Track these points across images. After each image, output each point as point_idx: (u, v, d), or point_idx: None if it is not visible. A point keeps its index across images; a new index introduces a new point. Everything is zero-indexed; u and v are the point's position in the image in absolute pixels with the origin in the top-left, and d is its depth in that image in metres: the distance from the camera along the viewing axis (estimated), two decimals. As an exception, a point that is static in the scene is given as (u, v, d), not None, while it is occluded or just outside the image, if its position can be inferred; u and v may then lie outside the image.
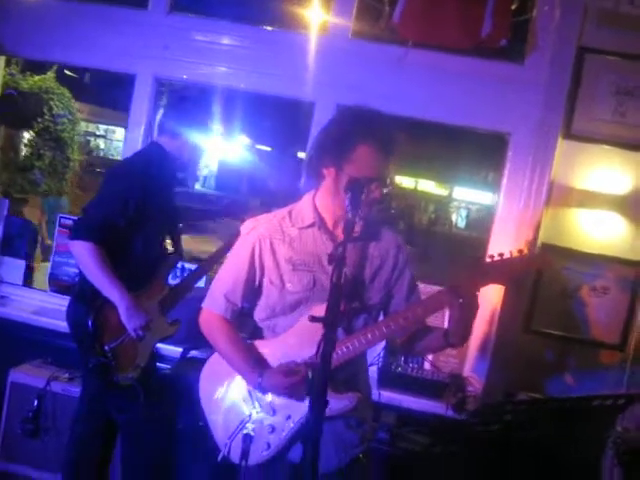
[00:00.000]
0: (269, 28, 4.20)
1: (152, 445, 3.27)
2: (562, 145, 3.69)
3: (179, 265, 3.96)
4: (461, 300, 2.18)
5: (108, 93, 12.04)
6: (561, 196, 3.70)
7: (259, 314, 2.40)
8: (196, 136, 3.16)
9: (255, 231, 2.38)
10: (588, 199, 3.67)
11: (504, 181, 3.88)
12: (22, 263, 4.34)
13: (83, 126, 8.91)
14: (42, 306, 4.16)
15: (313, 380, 1.88)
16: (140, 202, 2.96)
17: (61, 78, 5.42)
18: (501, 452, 2.12)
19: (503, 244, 3.80)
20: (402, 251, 2.43)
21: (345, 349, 2.22)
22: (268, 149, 21.52)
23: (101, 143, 22.29)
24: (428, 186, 20.92)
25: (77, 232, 2.95)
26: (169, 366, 3.79)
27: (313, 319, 1.90)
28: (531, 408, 2.13)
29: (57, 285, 4.20)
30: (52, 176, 4.69)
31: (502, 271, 2.18)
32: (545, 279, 3.71)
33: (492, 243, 3.89)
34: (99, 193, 3.06)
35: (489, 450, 2.25)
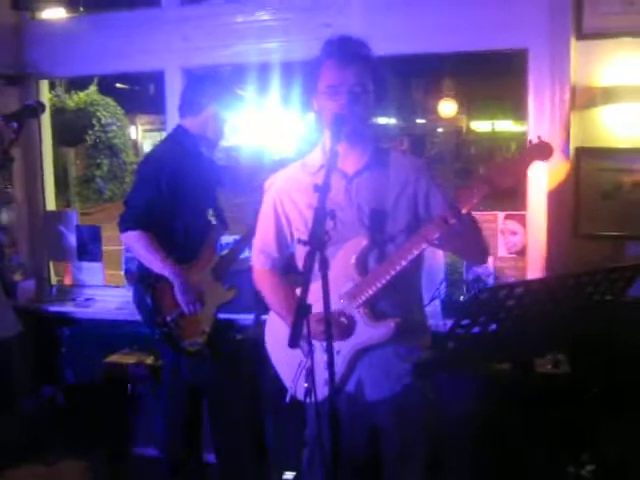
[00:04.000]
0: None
1: (236, 405, 3.50)
2: (576, 47, 3.68)
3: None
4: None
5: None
6: (585, 98, 3.70)
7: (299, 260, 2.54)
8: (215, 112, 3.33)
9: (274, 186, 2.56)
10: (613, 95, 3.64)
11: (530, 96, 3.90)
12: (99, 265, 4.68)
13: (156, 135, 9.34)
14: (123, 300, 4.48)
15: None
16: (172, 183, 3.17)
17: (123, 94, 5.73)
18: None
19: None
20: (423, 175, 2.44)
21: (376, 278, 2.31)
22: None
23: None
24: (505, 125, 20.42)
25: (124, 224, 3.20)
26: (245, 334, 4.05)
27: (299, 242, 2.06)
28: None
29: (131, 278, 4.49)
30: (113, 182, 4.99)
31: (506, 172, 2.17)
32: (584, 183, 3.73)
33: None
34: (134, 184, 3.31)
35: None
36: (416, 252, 2.26)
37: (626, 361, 3.47)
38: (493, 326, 2.02)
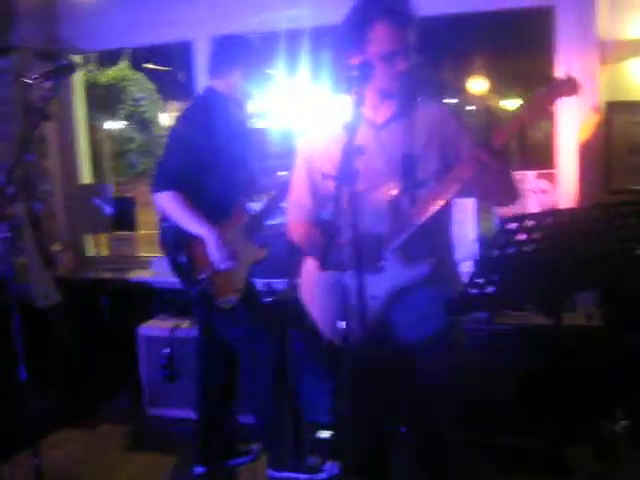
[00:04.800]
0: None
1: (271, 364, 3.54)
2: (604, 1, 3.66)
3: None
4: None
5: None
6: (613, 51, 3.68)
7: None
8: (243, 74, 3.36)
9: (307, 140, 2.60)
10: (641, 47, 3.64)
11: (557, 54, 3.89)
12: (134, 235, 4.78)
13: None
14: (158, 269, 4.55)
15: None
16: (202, 144, 3.20)
17: (154, 80, 5.77)
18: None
19: (568, 113, 3.86)
20: (451, 120, 2.46)
21: (410, 221, 2.32)
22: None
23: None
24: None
25: (156, 185, 3.24)
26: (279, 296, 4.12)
27: (327, 177, 2.09)
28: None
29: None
30: (146, 155, 5.06)
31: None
32: (615, 138, 3.72)
33: (558, 116, 3.92)
34: (167, 145, 3.35)
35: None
36: (449, 194, 2.27)
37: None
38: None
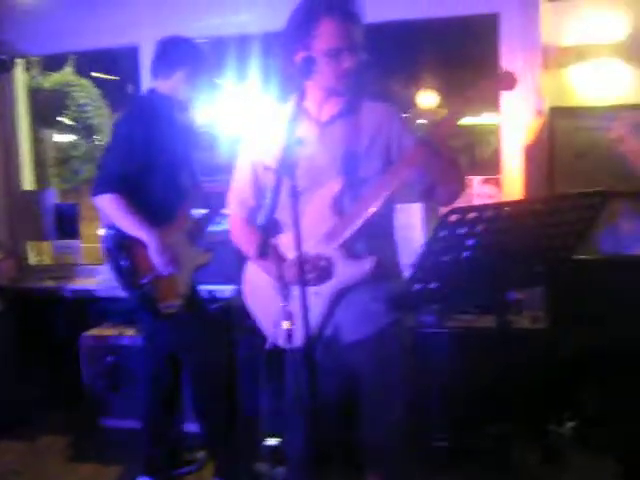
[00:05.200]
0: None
1: (216, 371, 3.49)
2: (547, 8, 3.72)
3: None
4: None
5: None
6: (556, 57, 3.74)
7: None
8: (187, 74, 3.32)
9: (252, 137, 2.56)
10: (585, 53, 3.68)
11: (502, 61, 3.92)
12: (78, 243, 4.68)
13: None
14: (102, 277, 4.46)
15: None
16: (145, 145, 3.15)
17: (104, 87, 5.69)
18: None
19: (512, 120, 3.90)
20: (395, 119, 2.46)
21: (354, 217, 2.30)
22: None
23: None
24: (489, 119, 20.26)
25: (97, 188, 3.17)
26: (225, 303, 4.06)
27: (268, 169, 2.07)
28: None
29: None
30: (91, 162, 4.98)
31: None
32: (558, 143, 3.77)
33: (502, 121, 3.97)
34: (108, 146, 3.29)
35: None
36: (391, 188, 2.26)
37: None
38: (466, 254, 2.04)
